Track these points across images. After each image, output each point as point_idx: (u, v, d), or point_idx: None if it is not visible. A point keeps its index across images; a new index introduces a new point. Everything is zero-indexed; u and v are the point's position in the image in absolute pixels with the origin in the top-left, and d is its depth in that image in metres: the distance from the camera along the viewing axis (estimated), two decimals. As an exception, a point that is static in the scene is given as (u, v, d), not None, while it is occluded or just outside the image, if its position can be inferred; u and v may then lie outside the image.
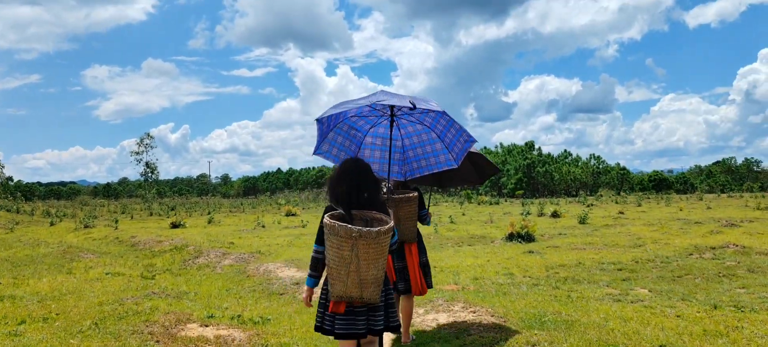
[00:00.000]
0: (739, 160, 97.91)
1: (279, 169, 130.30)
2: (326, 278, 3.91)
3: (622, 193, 73.64)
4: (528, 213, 28.45)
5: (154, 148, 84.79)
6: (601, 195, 64.81)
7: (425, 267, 5.62)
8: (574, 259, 11.12)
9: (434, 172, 5.28)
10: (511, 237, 14.52)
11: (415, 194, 5.33)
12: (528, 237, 14.40)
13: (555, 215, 25.51)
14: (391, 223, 3.81)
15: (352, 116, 5.01)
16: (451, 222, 23.06)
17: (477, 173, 6.45)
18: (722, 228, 16.75)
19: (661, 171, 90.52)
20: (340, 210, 3.89)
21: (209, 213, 39.69)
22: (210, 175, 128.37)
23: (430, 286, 5.66)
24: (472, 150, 5.57)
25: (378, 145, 5.27)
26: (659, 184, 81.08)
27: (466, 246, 14.20)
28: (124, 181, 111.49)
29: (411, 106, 4.21)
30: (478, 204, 46.20)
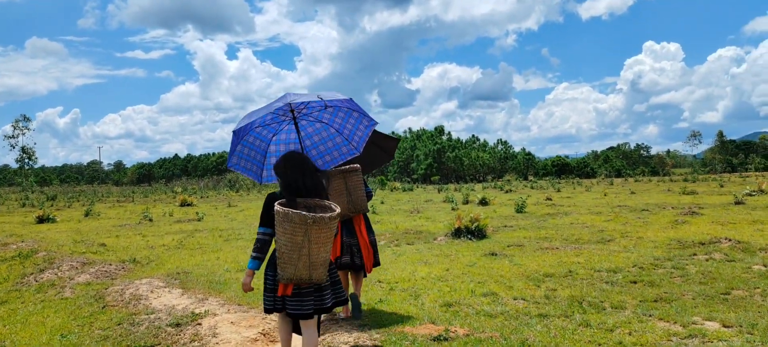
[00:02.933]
0: (631, 146, 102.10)
1: (176, 154, 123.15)
2: (268, 264, 4.08)
3: (528, 178, 74.09)
4: (450, 201, 26.25)
5: (31, 131, 76.12)
6: (509, 180, 64.57)
7: (374, 246, 5.94)
8: (556, 264, 8.57)
9: (338, 164, 5.35)
10: (458, 232, 11.85)
11: (359, 166, 5.76)
12: (479, 233, 11.80)
13: (483, 202, 23.29)
14: (339, 210, 3.94)
15: (257, 127, 5.04)
16: (373, 212, 20.22)
17: (385, 152, 6.51)
18: (685, 216, 14.89)
19: (563, 156, 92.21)
20: (286, 199, 3.92)
21: (92, 203, 34.96)
22: (101, 162, 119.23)
23: (377, 264, 6.02)
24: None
25: (282, 151, 5.23)
26: (562, 169, 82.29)
27: (406, 246, 11.39)
28: (4, 169, 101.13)
29: (320, 100, 4.54)
30: (391, 190, 43.84)
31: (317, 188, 4.08)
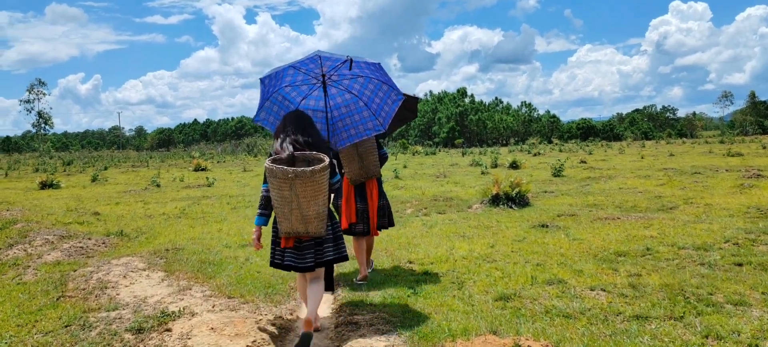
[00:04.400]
0: (657, 108, 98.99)
1: (196, 120, 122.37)
2: (275, 217, 4.01)
3: (552, 141, 71.89)
4: (478, 164, 24.59)
5: (46, 96, 75.14)
6: (534, 143, 62.44)
7: (385, 209, 5.80)
8: (624, 240, 6.96)
9: (363, 139, 5.24)
10: (496, 199, 10.26)
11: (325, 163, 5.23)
12: (520, 200, 10.20)
13: (514, 166, 21.59)
14: (326, 162, 3.91)
15: (286, 86, 4.99)
16: (396, 176, 18.67)
17: (410, 111, 6.21)
18: (750, 180, 13.11)
19: (589, 119, 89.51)
20: (283, 155, 3.94)
21: (105, 168, 33.87)
22: (122, 127, 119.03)
23: (391, 224, 5.94)
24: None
25: (310, 116, 4.61)
26: (587, 132, 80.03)
27: (437, 216, 9.83)
28: (26, 135, 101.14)
29: (347, 58, 4.50)
30: (414, 154, 42.21)
31: (315, 143, 4.07)
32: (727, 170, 16.64)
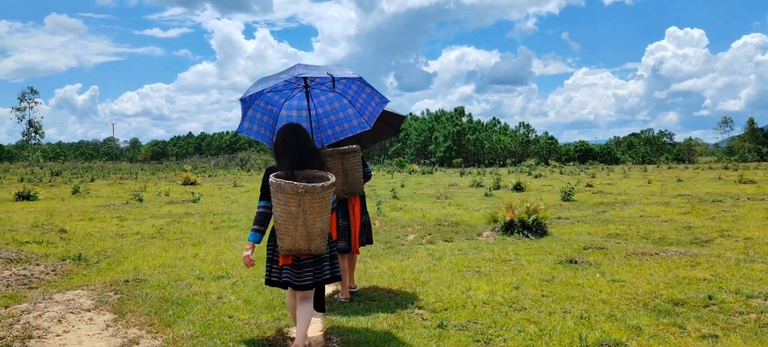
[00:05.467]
0: (655, 133, 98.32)
1: (190, 133, 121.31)
2: (270, 235, 4.01)
3: (549, 163, 70.83)
4: (479, 185, 23.46)
5: (38, 104, 73.83)
6: (531, 165, 61.34)
7: (366, 226, 5.77)
8: (673, 282, 5.82)
9: (348, 136, 5.25)
10: (510, 227, 9.12)
11: (358, 146, 5.47)
12: (538, 228, 9.05)
13: (519, 188, 20.46)
14: (333, 179, 3.85)
15: (268, 92, 4.94)
16: (394, 196, 17.51)
17: (391, 127, 6.20)
18: (783, 211, 12.03)
19: (585, 141, 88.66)
20: (284, 171, 3.89)
21: (92, 180, 32.59)
22: (116, 138, 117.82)
23: (370, 242, 5.89)
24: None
25: (294, 117, 5.17)
26: (585, 154, 79.21)
27: (443, 244, 8.67)
28: (20, 144, 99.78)
29: (329, 76, 4.37)
30: (410, 173, 41.08)
31: (314, 159, 4.03)
32: (748, 198, 15.57)
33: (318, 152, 4.09)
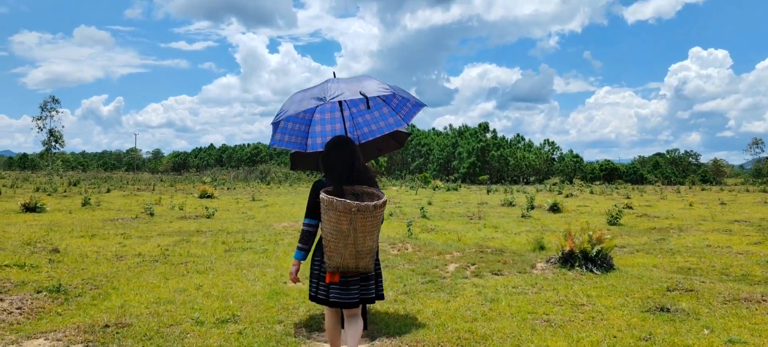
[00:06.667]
0: (680, 152, 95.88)
1: (212, 144, 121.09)
2: (316, 250, 3.97)
3: (573, 182, 68.91)
4: (511, 204, 22.03)
5: (59, 113, 73.75)
6: (556, 183, 59.51)
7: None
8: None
9: (385, 133, 5.27)
10: (569, 258, 7.75)
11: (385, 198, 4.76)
12: (603, 262, 7.67)
13: (555, 209, 19.00)
14: (385, 197, 3.80)
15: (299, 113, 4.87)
16: (424, 215, 16.17)
17: (396, 141, 5.93)
18: None
19: (610, 160, 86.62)
20: (333, 186, 3.80)
21: (108, 190, 31.69)
22: (138, 149, 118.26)
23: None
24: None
25: (327, 119, 5.10)
26: (610, 173, 77.33)
27: (492, 278, 7.32)
28: (42, 153, 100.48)
29: (362, 96, 4.10)
30: (434, 189, 39.68)
31: (363, 174, 3.95)
32: (817, 226, 14.00)
33: (368, 167, 3.99)
